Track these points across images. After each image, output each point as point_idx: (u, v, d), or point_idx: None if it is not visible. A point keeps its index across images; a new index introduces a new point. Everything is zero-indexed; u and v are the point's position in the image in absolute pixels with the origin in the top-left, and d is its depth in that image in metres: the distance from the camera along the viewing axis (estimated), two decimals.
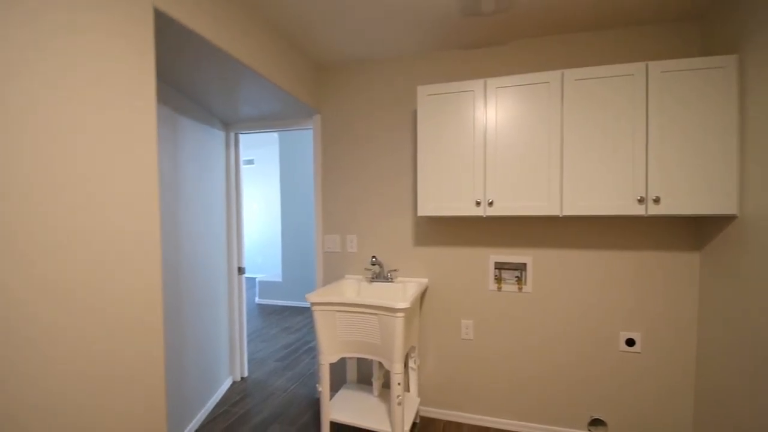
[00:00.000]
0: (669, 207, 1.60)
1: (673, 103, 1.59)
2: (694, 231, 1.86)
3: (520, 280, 2.13)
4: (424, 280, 2.27)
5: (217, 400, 2.51)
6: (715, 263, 1.71)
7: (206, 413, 2.32)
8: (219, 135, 2.58)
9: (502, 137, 1.85)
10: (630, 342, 1.93)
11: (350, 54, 2.28)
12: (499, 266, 2.17)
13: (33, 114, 0.87)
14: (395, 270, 2.33)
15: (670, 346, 1.90)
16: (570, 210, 1.75)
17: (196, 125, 2.25)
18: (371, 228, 2.39)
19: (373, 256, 2.24)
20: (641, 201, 1.62)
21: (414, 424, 2.22)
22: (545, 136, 1.78)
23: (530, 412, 2.12)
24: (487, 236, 2.17)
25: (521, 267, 2.13)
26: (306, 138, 4.99)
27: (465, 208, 1.92)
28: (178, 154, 2.04)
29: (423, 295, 2.30)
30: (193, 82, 1.94)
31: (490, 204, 1.88)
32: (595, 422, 2.01)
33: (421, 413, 2.31)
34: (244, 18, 1.67)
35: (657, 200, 1.60)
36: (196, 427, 2.19)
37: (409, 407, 2.07)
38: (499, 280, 2.17)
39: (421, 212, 2.00)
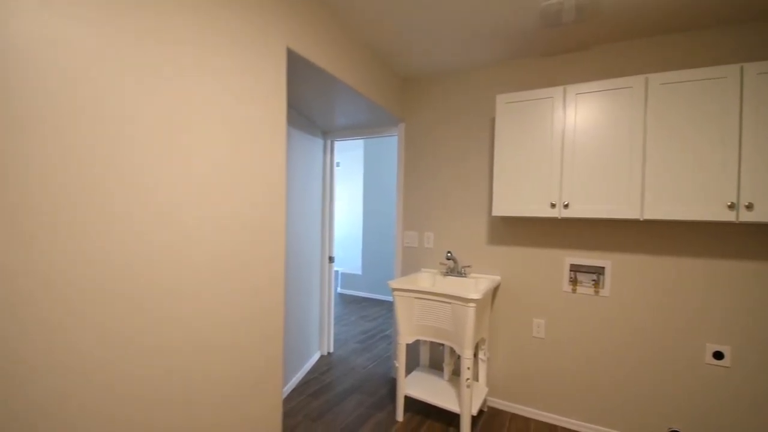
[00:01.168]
0: (764, 214, 1.52)
1: None
2: None
3: (597, 284, 2.14)
4: (497, 277, 2.39)
5: (309, 368, 2.94)
6: None
7: (300, 377, 2.75)
8: (318, 142, 3.02)
9: (580, 141, 1.91)
10: (718, 355, 1.83)
11: (433, 67, 2.51)
12: (575, 269, 2.20)
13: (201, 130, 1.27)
14: (468, 266, 2.49)
15: (765, 363, 1.76)
16: (651, 214, 1.75)
17: (301, 135, 2.69)
18: (447, 226, 2.59)
19: (449, 252, 2.43)
20: (731, 207, 1.57)
21: (481, 412, 2.36)
22: (626, 141, 1.80)
23: (602, 416, 2.11)
24: (563, 238, 2.22)
25: (599, 270, 2.14)
26: (388, 143, 5.35)
27: (539, 210, 2.02)
28: (288, 159, 2.48)
29: (495, 292, 2.42)
30: (301, 98, 2.35)
31: (566, 206, 1.94)
32: None
33: (489, 403, 2.44)
34: (347, 44, 2.01)
35: (750, 206, 1.53)
36: (293, 387, 2.62)
37: (477, 394, 2.22)
38: (574, 282, 2.20)
39: (495, 212, 2.15)
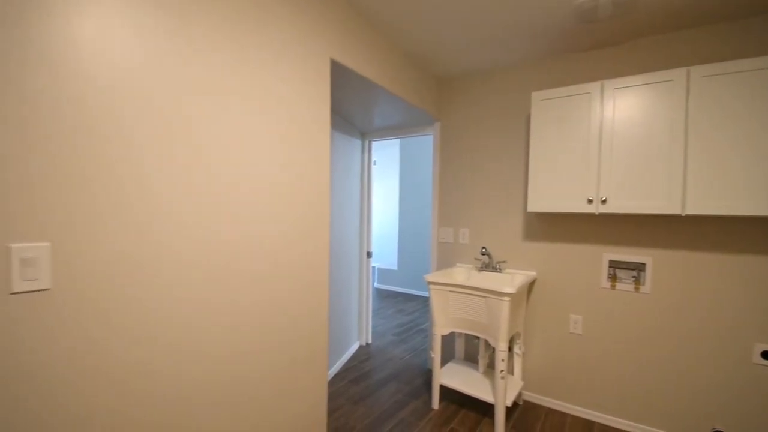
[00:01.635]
0: None
1: None
2: None
3: (637, 281, 2.12)
4: (532, 273, 2.42)
5: (349, 356, 3.11)
6: None
7: (341, 365, 2.93)
8: (357, 143, 3.17)
9: (618, 136, 1.90)
10: (766, 355, 1.76)
11: (468, 67, 2.57)
12: (614, 265, 2.18)
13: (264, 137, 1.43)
14: (503, 261, 2.53)
15: None
16: (694, 209, 1.72)
17: (342, 136, 2.85)
18: (482, 222, 2.64)
19: (483, 247, 2.49)
20: None
21: (516, 405, 2.40)
22: (667, 134, 1.78)
23: (642, 414, 2.09)
24: (601, 234, 2.20)
25: (639, 267, 2.11)
26: (423, 140, 5.42)
27: (576, 206, 2.03)
28: (330, 159, 2.64)
29: (531, 287, 2.45)
30: (342, 102, 2.50)
31: (603, 202, 1.94)
32: None
33: (524, 397, 2.47)
34: (384, 50, 2.12)
35: None
36: (335, 372, 2.80)
37: (512, 387, 2.27)
38: (613, 278, 2.18)
39: (531, 208, 2.18)
